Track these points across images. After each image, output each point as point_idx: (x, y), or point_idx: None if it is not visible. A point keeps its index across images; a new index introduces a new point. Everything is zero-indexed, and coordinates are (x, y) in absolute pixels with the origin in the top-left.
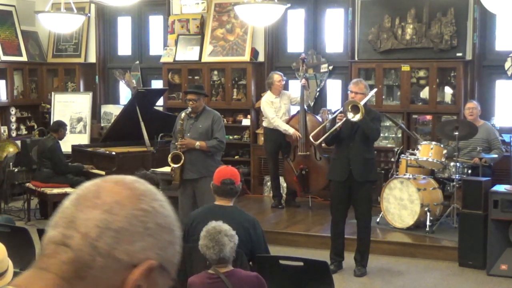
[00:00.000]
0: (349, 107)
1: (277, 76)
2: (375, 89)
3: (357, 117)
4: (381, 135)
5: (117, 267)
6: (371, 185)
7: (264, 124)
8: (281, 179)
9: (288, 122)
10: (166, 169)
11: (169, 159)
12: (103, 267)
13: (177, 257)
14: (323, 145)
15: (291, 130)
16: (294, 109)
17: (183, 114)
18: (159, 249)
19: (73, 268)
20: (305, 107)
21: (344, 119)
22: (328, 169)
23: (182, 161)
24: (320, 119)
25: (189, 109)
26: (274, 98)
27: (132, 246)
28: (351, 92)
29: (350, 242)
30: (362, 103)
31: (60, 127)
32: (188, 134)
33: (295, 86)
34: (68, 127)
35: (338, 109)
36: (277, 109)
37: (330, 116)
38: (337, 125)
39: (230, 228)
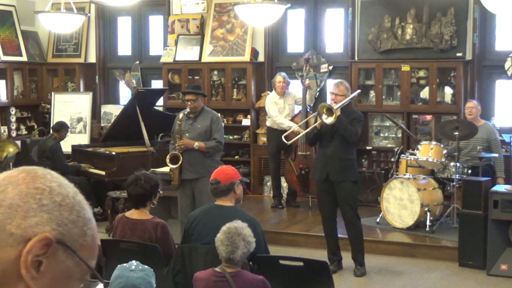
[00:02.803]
0: (324, 110)
1: (278, 77)
2: (357, 91)
3: (330, 119)
4: (381, 135)
5: (11, 241)
6: (351, 184)
7: (267, 123)
8: (282, 179)
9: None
10: (166, 169)
11: (167, 160)
12: None
13: (88, 239)
14: None
15: (295, 127)
16: (297, 110)
17: (181, 115)
18: (57, 225)
19: None
20: (307, 107)
21: (321, 121)
22: (311, 168)
23: (180, 162)
24: None
25: (188, 109)
26: (278, 99)
27: (25, 221)
28: (331, 94)
29: (348, 242)
30: (339, 105)
31: (62, 128)
32: (187, 135)
33: (295, 86)
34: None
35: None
36: (281, 109)
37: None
38: (315, 124)
39: (251, 235)
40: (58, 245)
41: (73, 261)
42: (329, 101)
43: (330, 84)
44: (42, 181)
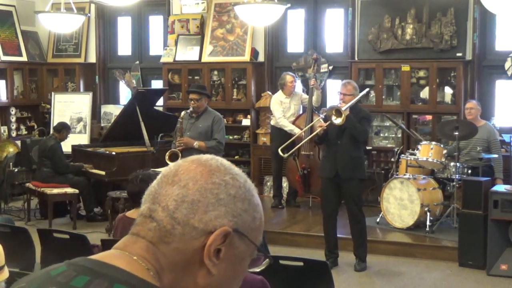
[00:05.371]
0: (333, 111)
1: (289, 77)
2: (367, 89)
3: (339, 120)
4: (381, 135)
5: (195, 234)
6: (359, 182)
7: (272, 122)
8: (283, 179)
9: (294, 121)
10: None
11: (167, 157)
12: (182, 234)
13: (257, 222)
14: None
15: (296, 131)
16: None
17: (183, 113)
18: (232, 216)
19: (157, 234)
20: (313, 107)
21: (325, 126)
22: (319, 166)
23: (178, 159)
24: None
25: (191, 109)
26: (284, 98)
27: (206, 215)
28: (339, 94)
29: (349, 242)
30: (348, 105)
31: (63, 129)
32: (188, 133)
33: (295, 86)
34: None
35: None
36: (286, 109)
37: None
38: (317, 131)
39: None
40: (234, 233)
41: (245, 244)
42: (328, 101)
43: (330, 84)
44: (217, 175)
